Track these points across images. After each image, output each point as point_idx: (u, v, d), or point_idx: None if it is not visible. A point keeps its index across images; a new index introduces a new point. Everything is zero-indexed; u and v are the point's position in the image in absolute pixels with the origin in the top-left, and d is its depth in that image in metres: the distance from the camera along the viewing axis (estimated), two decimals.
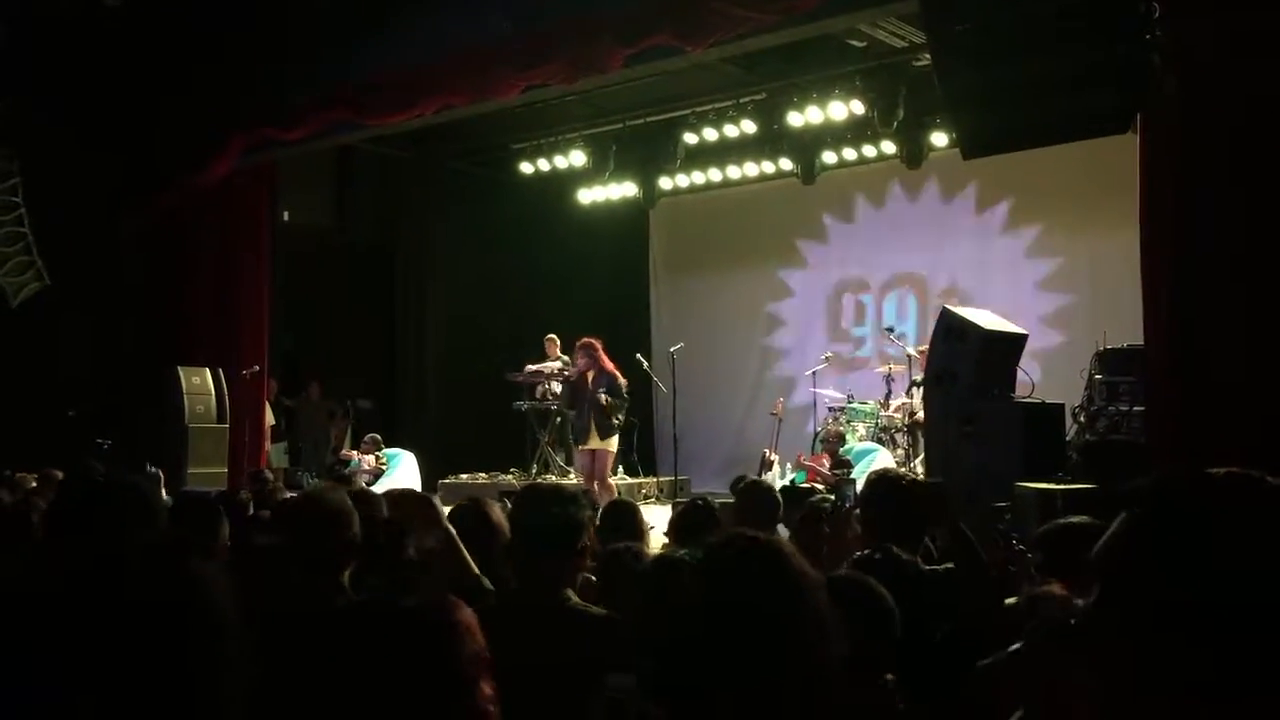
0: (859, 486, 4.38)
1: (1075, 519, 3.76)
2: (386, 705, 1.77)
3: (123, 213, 11.16)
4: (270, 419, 12.51)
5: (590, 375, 10.18)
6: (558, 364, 12.01)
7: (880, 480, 4.20)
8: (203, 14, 10.37)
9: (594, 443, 10.14)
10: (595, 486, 9.86)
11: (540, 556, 2.85)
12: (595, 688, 2.43)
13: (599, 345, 10.40)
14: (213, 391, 11.07)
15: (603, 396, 10.02)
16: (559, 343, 12.29)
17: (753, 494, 5.05)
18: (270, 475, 9.20)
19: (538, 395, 12.31)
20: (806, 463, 11.08)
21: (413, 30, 9.51)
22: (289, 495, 6.34)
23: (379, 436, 12.77)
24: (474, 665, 1.83)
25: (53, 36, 10.32)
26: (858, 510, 4.22)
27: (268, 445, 12.28)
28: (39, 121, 10.50)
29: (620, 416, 10.21)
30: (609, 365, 10.30)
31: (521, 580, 2.92)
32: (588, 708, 2.43)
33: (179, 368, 10.93)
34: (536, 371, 12.30)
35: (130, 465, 8.93)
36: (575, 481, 10.41)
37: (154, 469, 7.27)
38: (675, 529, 4.67)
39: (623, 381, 10.31)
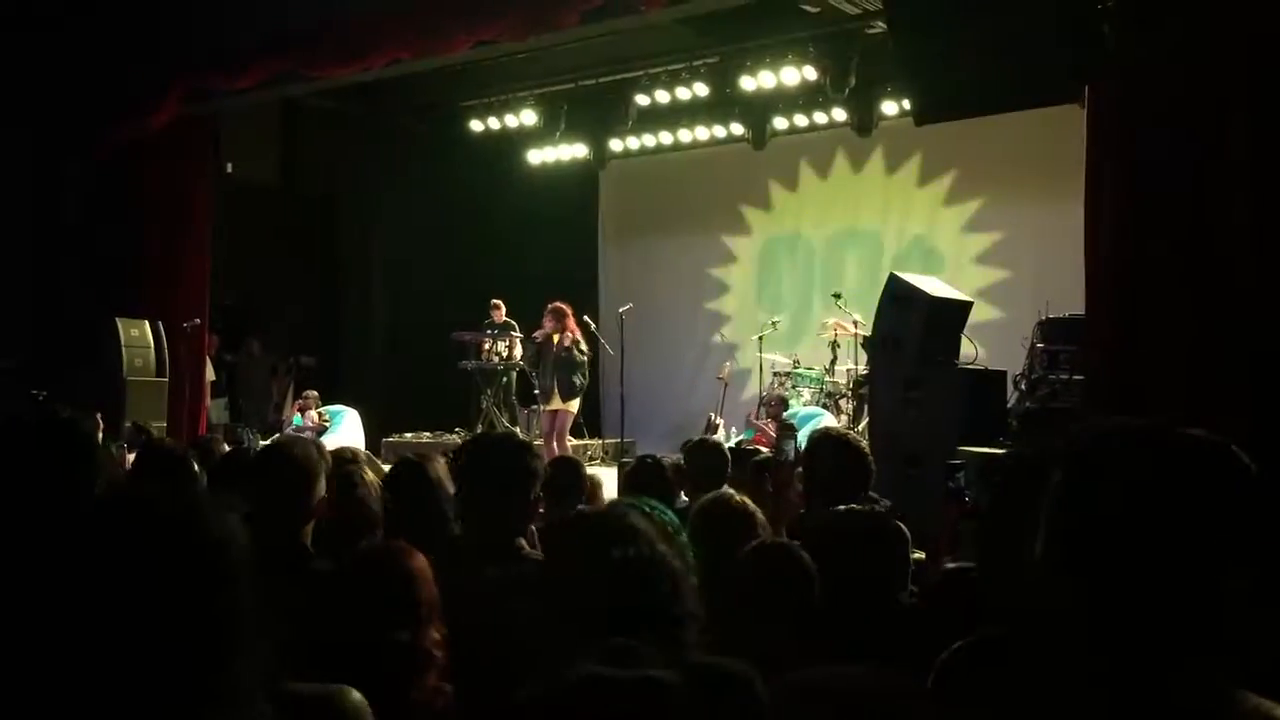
0: (800, 442, 4.39)
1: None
2: (345, 643, 1.78)
3: (62, 159, 10.88)
4: (211, 374, 12.33)
5: (556, 338, 10.41)
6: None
7: (823, 439, 4.22)
8: None
9: (555, 403, 10.39)
10: (554, 445, 10.06)
11: (493, 505, 2.83)
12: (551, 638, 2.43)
13: (569, 311, 10.61)
14: (152, 344, 10.88)
15: (575, 352, 10.36)
16: (504, 308, 12.31)
17: (701, 452, 5.09)
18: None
19: (484, 356, 12.30)
20: (756, 422, 11.15)
21: None
22: (227, 450, 6.27)
23: (315, 393, 12.69)
24: (426, 608, 1.85)
25: None
26: (799, 468, 4.25)
27: (208, 401, 12.12)
28: None
29: (580, 377, 10.41)
30: (575, 330, 10.50)
31: (474, 530, 2.89)
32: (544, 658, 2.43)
33: (117, 319, 10.72)
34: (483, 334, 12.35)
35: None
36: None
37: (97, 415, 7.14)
38: (627, 486, 4.70)
39: (585, 348, 10.55)
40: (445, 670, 1.89)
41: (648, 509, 2.49)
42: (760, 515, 3.22)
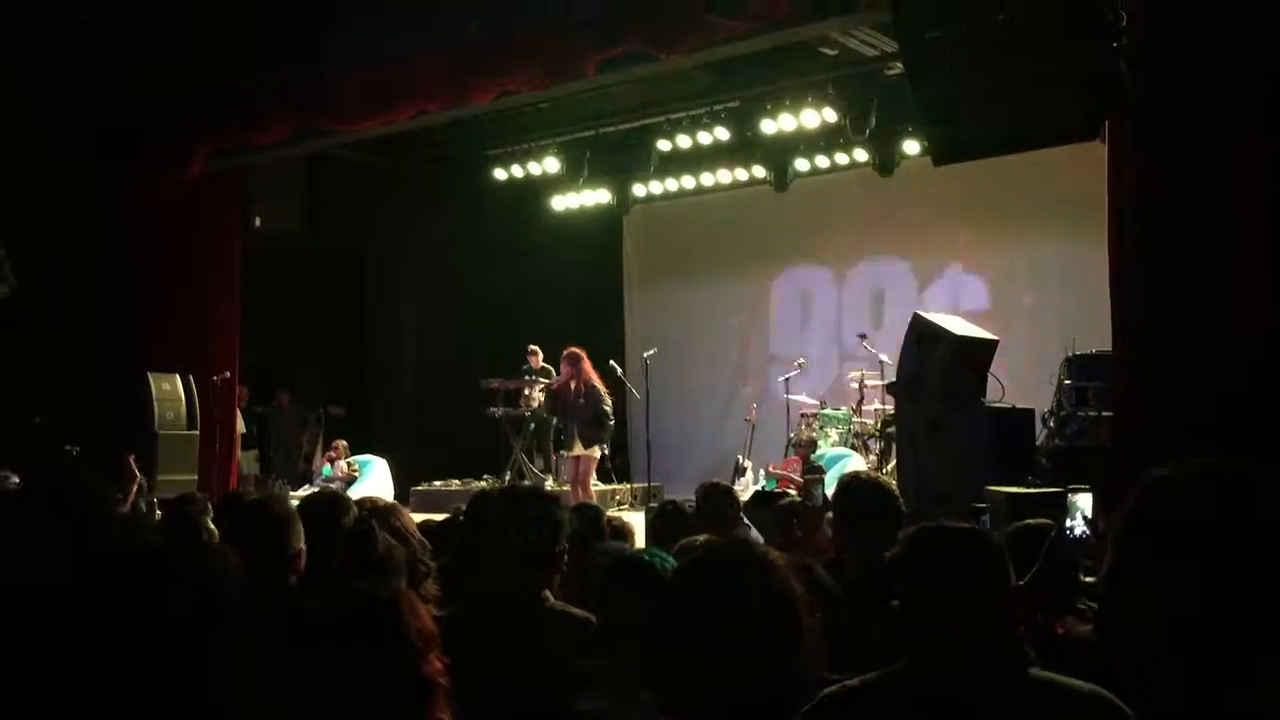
0: (829, 488, 4.39)
1: (1034, 520, 3.81)
2: (346, 678, 1.82)
3: (91, 216, 11.04)
4: (241, 426, 12.42)
5: (573, 384, 10.49)
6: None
7: (852, 482, 4.20)
8: (172, 16, 10.28)
9: (578, 449, 10.52)
10: (578, 490, 10.13)
11: (520, 556, 2.85)
12: (573, 688, 2.45)
13: (584, 355, 10.70)
14: (183, 398, 10.97)
15: (590, 398, 10.43)
16: (540, 353, 12.38)
17: (710, 496, 5.28)
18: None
19: (518, 403, 12.38)
20: (776, 471, 11.14)
21: (384, 33, 9.48)
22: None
23: (344, 443, 12.77)
24: (421, 639, 1.89)
25: (20, 38, 10.22)
26: (829, 513, 4.24)
27: (238, 453, 12.20)
28: (6, 125, 10.37)
29: (598, 422, 10.52)
30: (593, 376, 10.57)
31: (500, 580, 2.91)
32: (565, 706, 2.44)
33: (149, 373, 10.83)
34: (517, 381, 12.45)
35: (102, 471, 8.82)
36: (553, 488, 10.55)
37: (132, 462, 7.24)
38: (651, 531, 4.73)
39: (604, 392, 10.62)
40: (449, 699, 1.93)
41: (648, 557, 2.54)
42: None
